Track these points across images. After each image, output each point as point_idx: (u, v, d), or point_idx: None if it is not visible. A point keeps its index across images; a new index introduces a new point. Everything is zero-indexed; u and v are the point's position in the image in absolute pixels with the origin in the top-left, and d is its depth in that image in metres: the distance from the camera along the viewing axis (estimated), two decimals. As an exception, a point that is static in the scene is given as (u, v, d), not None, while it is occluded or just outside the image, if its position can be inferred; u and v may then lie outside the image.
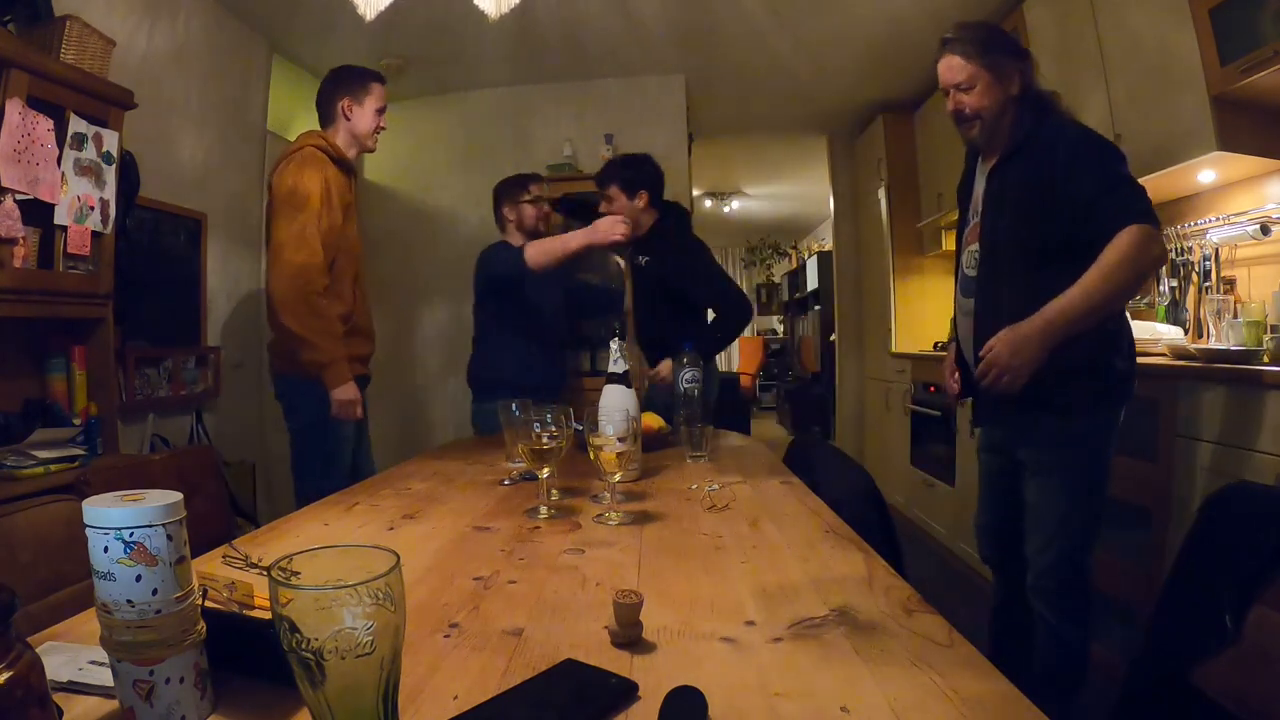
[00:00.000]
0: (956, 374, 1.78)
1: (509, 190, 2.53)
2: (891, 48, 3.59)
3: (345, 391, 2.00)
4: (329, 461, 2.05)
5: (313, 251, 1.94)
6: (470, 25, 3.07)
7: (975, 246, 1.63)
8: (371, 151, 2.20)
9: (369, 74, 2.12)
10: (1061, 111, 1.57)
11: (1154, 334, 2.33)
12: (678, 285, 2.40)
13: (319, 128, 2.13)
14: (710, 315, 2.52)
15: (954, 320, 1.81)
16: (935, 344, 3.89)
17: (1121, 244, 1.36)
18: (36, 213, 1.86)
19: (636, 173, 2.39)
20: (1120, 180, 1.43)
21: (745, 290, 10.30)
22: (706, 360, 2.13)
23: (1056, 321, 1.40)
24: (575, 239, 2.20)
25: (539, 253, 2.22)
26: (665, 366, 2.27)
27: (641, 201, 2.36)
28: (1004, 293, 1.55)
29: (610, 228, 2.13)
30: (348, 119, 2.09)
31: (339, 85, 2.10)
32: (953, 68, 1.55)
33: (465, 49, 3.55)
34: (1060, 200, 1.45)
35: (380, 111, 2.12)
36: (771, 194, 7.49)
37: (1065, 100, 1.61)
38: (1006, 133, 1.57)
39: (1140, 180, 2.30)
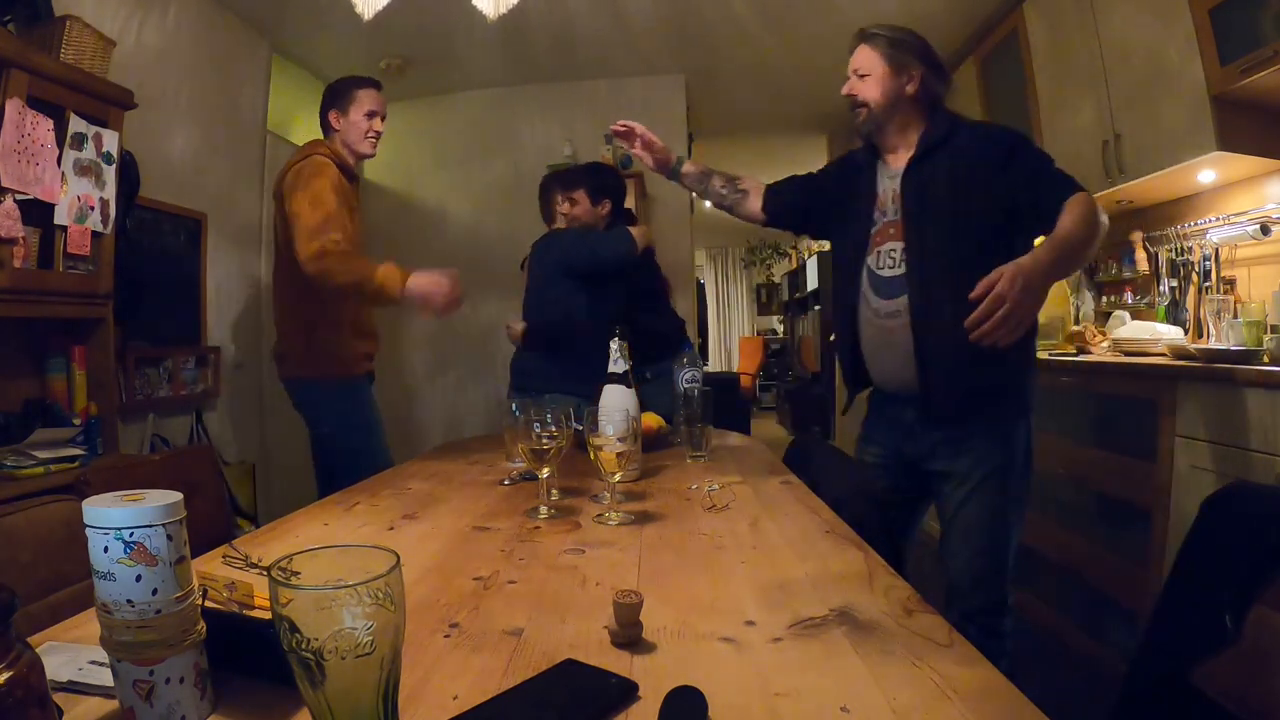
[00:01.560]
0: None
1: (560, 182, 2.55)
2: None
3: (417, 282, 1.88)
4: (368, 457, 2.00)
5: (340, 231, 1.91)
6: (469, 26, 3.08)
7: (893, 245, 1.56)
8: (369, 157, 2.22)
9: (354, 82, 2.16)
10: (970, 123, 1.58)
11: (1154, 334, 2.33)
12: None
13: (323, 137, 2.17)
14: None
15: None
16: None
17: (1078, 204, 1.36)
18: (36, 213, 1.86)
19: (604, 181, 2.42)
20: (1053, 163, 1.46)
21: (747, 290, 10.39)
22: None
23: (1059, 259, 1.30)
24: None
25: (640, 234, 2.28)
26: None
27: (604, 209, 2.38)
28: (946, 288, 1.44)
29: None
30: (337, 130, 2.14)
31: (328, 100, 2.16)
32: (857, 55, 1.60)
33: (464, 50, 3.55)
34: (999, 182, 1.44)
35: (372, 115, 2.14)
36: (772, 194, 7.48)
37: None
38: (900, 131, 1.57)
39: (1140, 180, 2.35)
